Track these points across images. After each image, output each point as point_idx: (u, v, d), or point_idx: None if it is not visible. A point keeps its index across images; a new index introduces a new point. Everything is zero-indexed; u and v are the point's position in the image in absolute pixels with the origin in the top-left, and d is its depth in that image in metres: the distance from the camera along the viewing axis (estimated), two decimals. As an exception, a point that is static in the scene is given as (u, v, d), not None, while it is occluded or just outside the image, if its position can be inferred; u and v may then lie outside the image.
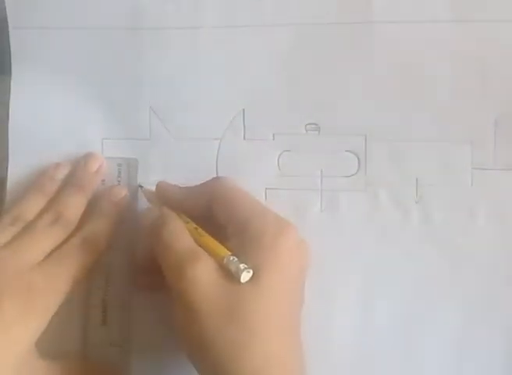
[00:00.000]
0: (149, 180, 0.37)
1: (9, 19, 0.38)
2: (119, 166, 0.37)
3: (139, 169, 0.37)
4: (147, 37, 0.37)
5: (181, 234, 0.31)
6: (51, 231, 0.34)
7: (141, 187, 0.36)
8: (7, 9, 0.38)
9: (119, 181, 0.37)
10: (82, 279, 0.34)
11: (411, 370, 0.34)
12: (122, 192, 0.36)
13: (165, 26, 0.37)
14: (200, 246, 0.31)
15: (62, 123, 0.38)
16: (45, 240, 0.34)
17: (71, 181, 0.36)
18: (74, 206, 0.35)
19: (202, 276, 0.29)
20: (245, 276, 0.29)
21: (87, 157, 0.37)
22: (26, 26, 0.38)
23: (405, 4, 0.35)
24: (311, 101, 0.36)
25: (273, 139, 0.36)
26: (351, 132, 0.35)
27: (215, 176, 0.36)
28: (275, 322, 0.29)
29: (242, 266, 0.29)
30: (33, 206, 0.35)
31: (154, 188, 0.36)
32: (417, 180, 0.35)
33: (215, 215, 0.32)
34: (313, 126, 0.36)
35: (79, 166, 0.37)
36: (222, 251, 0.30)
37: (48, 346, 0.33)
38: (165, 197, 0.35)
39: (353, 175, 0.35)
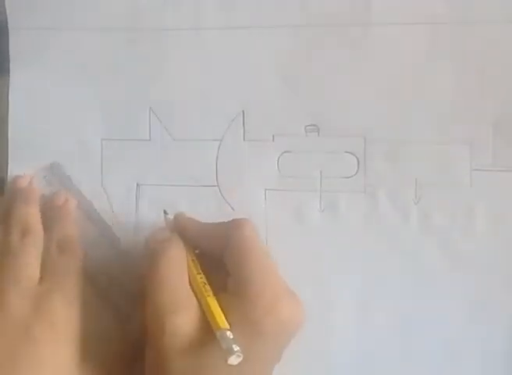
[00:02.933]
0: (148, 182, 0.37)
1: (9, 20, 0.38)
2: (45, 177, 0.37)
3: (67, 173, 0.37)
4: (147, 37, 0.37)
5: (176, 273, 0.30)
6: (28, 244, 0.33)
7: (166, 213, 0.36)
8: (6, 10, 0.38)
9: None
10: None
11: (411, 370, 0.35)
12: (63, 196, 0.36)
13: (164, 27, 0.36)
14: (196, 293, 0.30)
15: (62, 124, 0.37)
16: (29, 253, 0.33)
17: (14, 200, 0.35)
18: (31, 215, 0.35)
19: (180, 330, 0.28)
20: (233, 360, 0.27)
21: (13, 179, 0.37)
22: (25, 27, 0.38)
23: (404, 5, 0.35)
24: (310, 102, 0.36)
25: (273, 140, 0.36)
26: (350, 133, 0.35)
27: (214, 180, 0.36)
28: None
29: (235, 347, 0.27)
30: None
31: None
32: (416, 181, 0.35)
33: (224, 261, 0.31)
34: (312, 127, 0.36)
35: (11, 190, 0.37)
36: (221, 322, 0.28)
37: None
38: (182, 230, 0.34)
39: (352, 176, 0.35)
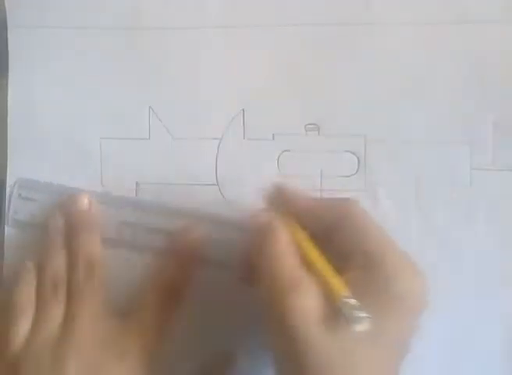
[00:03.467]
0: (147, 181, 0.37)
1: (8, 18, 0.37)
2: (20, 195, 0.37)
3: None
4: (147, 36, 0.37)
5: (287, 252, 0.28)
6: (92, 288, 0.33)
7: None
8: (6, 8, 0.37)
9: None
10: None
11: (411, 370, 0.34)
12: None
13: (165, 26, 0.36)
14: (309, 268, 0.28)
15: (61, 123, 0.37)
16: (92, 297, 0.33)
17: (75, 227, 0.35)
18: (95, 249, 0.35)
19: (305, 309, 0.26)
20: (360, 327, 0.25)
21: (73, 197, 0.36)
22: (24, 25, 0.37)
23: (404, 5, 0.35)
24: (310, 101, 0.36)
25: (273, 139, 0.36)
26: (351, 132, 0.35)
27: (213, 178, 0.36)
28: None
29: (359, 313, 0.25)
30: (59, 264, 0.34)
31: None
32: (416, 180, 0.35)
33: (336, 239, 0.29)
34: (313, 126, 0.36)
35: (71, 208, 0.36)
36: (338, 287, 0.27)
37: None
38: (286, 203, 0.32)
39: (352, 175, 0.35)
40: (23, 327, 0.33)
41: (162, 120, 0.37)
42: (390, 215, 0.35)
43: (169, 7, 0.36)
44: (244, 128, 0.36)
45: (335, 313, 0.26)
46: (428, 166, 0.35)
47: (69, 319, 0.33)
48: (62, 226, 0.36)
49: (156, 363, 0.33)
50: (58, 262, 0.34)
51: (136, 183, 0.37)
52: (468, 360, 0.35)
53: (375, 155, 0.35)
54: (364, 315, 0.25)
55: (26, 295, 0.34)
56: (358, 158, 0.35)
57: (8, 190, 0.37)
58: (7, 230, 0.37)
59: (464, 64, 0.35)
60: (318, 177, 0.36)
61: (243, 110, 0.36)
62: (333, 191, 0.35)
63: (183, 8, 0.36)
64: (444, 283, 0.35)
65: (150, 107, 0.37)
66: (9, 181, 0.37)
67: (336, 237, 0.29)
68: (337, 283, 0.27)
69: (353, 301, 0.26)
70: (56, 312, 0.33)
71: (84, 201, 0.36)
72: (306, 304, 0.26)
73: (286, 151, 0.36)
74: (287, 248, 0.29)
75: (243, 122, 0.36)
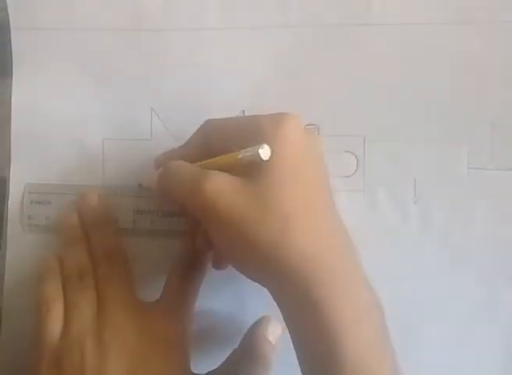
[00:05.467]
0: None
1: (11, 20, 0.38)
2: (31, 202, 0.38)
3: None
4: (149, 38, 0.37)
5: (184, 165, 0.31)
6: (118, 275, 0.34)
7: (140, 185, 0.37)
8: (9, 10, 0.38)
9: None
10: None
11: (411, 369, 0.35)
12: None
13: (166, 28, 0.37)
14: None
15: (64, 124, 0.38)
16: (120, 285, 0.34)
17: (89, 223, 0.36)
18: (112, 240, 0.36)
19: (220, 185, 0.28)
20: (265, 153, 0.27)
21: (84, 194, 0.37)
22: (27, 27, 0.38)
23: (404, 5, 0.35)
24: (310, 101, 0.36)
25: (273, 139, 0.36)
26: (350, 133, 0.36)
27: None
28: (304, 203, 0.28)
29: (254, 148, 0.27)
30: (81, 255, 0.35)
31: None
32: (415, 180, 0.35)
33: (215, 151, 0.31)
34: (312, 126, 0.36)
35: (83, 205, 0.37)
36: (231, 154, 0.29)
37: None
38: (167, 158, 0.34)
39: (351, 175, 0.36)
40: (55, 320, 0.33)
41: (164, 121, 0.37)
42: (389, 214, 0.35)
43: (170, 8, 0.37)
44: (245, 129, 0.36)
45: (241, 176, 0.28)
46: (426, 165, 0.35)
47: (101, 306, 0.33)
48: (77, 222, 0.36)
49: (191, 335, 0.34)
50: (80, 254, 0.35)
51: (139, 185, 0.37)
52: (469, 360, 0.35)
53: (374, 155, 0.35)
54: (258, 146, 0.27)
55: (53, 290, 0.34)
56: (357, 158, 0.36)
57: (19, 197, 0.38)
58: (23, 237, 0.38)
59: (463, 64, 0.35)
60: (317, 177, 0.36)
61: (244, 111, 0.36)
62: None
63: (183, 9, 0.37)
64: (443, 282, 0.35)
65: (151, 108, 0.37)
66: (14, 183, 0.38)
67: (215, 151, 0.31)
68: (228, 155, 0.29)
69: (247, 149, 0.28)
70: (87, 301, 0.33)
71: (95, 197, 0.37)
72: (219, 181, 0.28)
73: (285, 151, 0.36)
74: (182, 163, 0.31)
75: (243, 122, 0.36)
